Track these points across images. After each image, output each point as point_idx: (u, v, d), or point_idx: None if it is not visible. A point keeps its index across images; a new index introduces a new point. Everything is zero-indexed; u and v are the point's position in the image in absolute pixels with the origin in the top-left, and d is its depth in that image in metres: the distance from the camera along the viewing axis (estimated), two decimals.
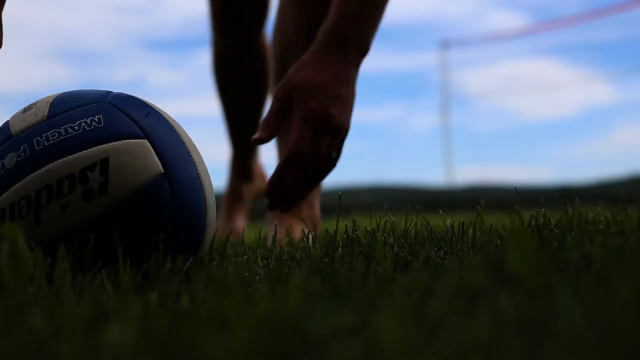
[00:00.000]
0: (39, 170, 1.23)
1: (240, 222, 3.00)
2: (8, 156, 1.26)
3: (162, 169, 1.28)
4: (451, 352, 0.62)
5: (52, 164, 1.23)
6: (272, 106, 1.88)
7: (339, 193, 1.75)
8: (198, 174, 1.34)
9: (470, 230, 1.58)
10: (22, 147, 1.26)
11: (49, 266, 1.10)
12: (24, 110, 1.34)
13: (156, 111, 1.36)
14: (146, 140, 1.29)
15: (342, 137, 1.90)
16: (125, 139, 1.27)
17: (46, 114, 1.30)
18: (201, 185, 1.34)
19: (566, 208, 1.61)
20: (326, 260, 1.31)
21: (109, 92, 1.36)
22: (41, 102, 1.34)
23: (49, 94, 1.37)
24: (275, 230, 1.68)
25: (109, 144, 1.26)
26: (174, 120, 1.39)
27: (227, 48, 2.81)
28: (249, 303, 0.87)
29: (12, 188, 1.24)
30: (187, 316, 0.81)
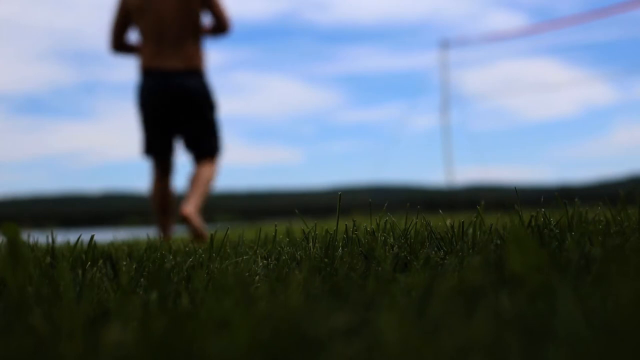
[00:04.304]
0: None
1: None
2: None
3: None
4: (451, 352, 0.62)
5: None
6: None
7: (339, 193, 1.75)
8: None
9: (470, 230, 1.58)
10: None
11: (49, 266, 1.10)
12: None
13: None
14: None
15: None
16: None
17: None
18: None
19: (566, 208, 1.61)
20: (326, 260, 1.31)
21: None
22: None
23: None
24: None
25: None
26: None
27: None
28: (249, 303, 0.87)
29: None
30: (187, 316, 0.80)
